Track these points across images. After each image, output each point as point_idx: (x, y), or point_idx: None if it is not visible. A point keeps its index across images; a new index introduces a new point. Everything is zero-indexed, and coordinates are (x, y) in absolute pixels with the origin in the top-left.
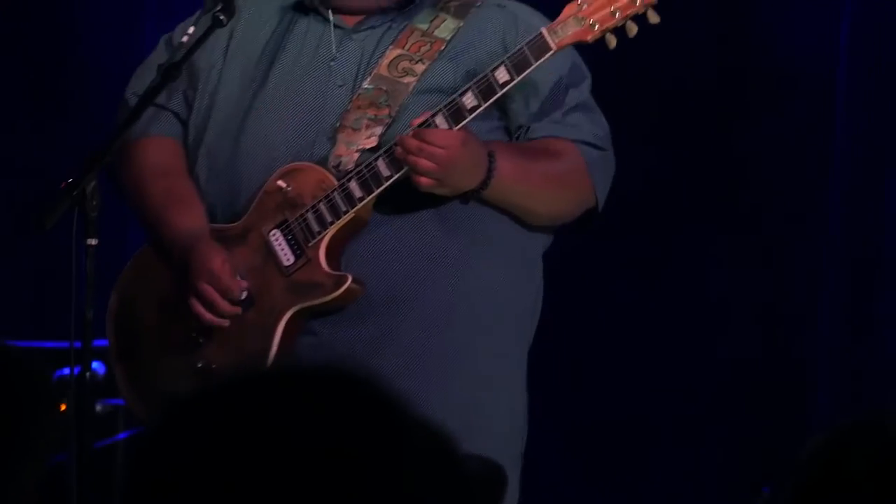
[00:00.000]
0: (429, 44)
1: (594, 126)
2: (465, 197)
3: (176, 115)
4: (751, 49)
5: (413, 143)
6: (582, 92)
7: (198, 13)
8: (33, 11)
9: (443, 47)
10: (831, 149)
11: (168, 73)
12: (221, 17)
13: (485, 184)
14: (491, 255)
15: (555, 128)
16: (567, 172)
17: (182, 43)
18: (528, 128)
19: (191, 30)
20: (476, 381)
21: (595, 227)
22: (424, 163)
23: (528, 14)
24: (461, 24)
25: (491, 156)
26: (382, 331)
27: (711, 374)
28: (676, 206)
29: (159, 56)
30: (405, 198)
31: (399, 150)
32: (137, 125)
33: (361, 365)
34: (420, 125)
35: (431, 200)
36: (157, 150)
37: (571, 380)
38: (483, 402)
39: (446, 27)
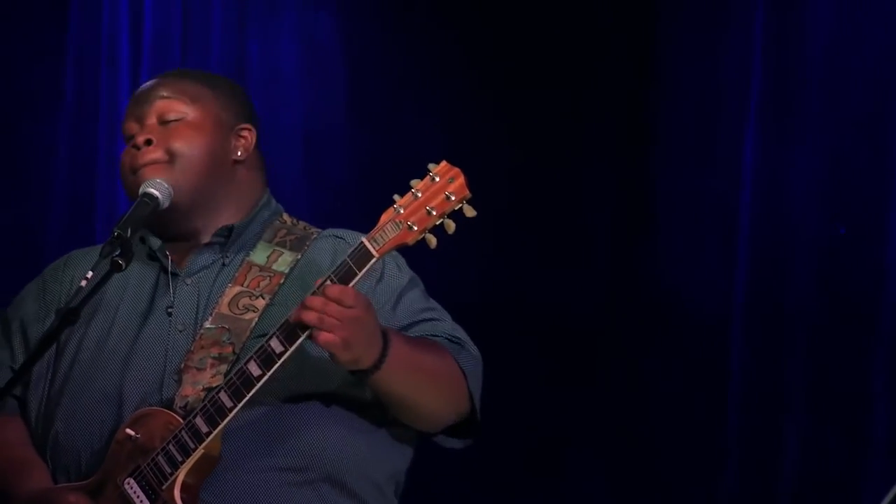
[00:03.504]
0: (268, 278)
1: (448, 323)
2: (359, 376)
3: (13, 396)
4: (646, 284)
5: (317, 301)
6: (426, 297)
7: (37, 282)
8: None
9: (282, 280)
10: (726, 390)
11: (66, 318)
12: (120, 262)
13: (379, 363)
14: (346, 495)
15: (422, 327)
16: (448, 371)
17: (80, 287)
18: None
19: (89, 274)
20: None
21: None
22: (330, 321)
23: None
24: (299, 257)
25: (385, 335)
26: None
27: None
28: (563, 436)
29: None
30: (256, 431)
31: (301, 312)
32: None
33: None
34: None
35: (281, 435)
36: None
37: None
38: None
39: (284, 261)
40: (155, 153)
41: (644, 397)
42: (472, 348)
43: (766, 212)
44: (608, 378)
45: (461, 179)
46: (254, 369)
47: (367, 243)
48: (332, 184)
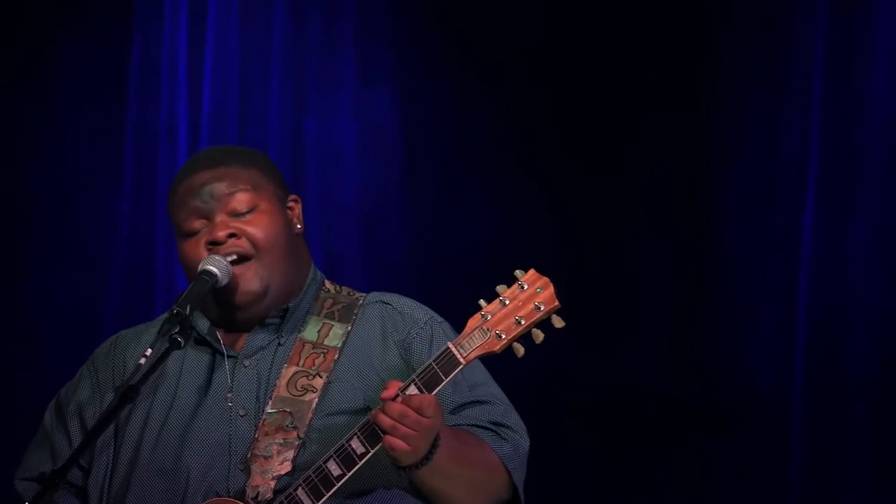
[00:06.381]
0: (322, 355)
1: (498, 406)
2: (404, 471)
3: (73, 485)
4: (707, 360)
5: (397, 410)
6: (478, 370)
7: (88, 366)
8: None
9: (336, 356)
10: (786, 466)
11: (126, 395)
12: (179, 339)
13: (426, 459)
14: None
15: (471, 411)
16: (487, 467)
17: (139, 365)
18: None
19: (148, 352)
20: None
21: None
22: (406, 430)
23: (412, 308)
24: (349, 329)
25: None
26: None
27: None
28: None
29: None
30: None
31: (380, 415)
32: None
33: None
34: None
35: None
36: None
37: None
38: None
39: (335, 334)
40: (239, 245)
41: (703, 472)
42: (518, 436)
43: (824, 286)
44: (668, 452)
45: (551, 289)
46: (333, 469)
47: (453, 349)
48: (389, 261)
